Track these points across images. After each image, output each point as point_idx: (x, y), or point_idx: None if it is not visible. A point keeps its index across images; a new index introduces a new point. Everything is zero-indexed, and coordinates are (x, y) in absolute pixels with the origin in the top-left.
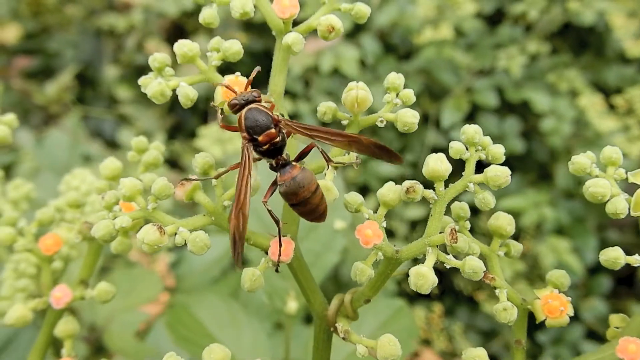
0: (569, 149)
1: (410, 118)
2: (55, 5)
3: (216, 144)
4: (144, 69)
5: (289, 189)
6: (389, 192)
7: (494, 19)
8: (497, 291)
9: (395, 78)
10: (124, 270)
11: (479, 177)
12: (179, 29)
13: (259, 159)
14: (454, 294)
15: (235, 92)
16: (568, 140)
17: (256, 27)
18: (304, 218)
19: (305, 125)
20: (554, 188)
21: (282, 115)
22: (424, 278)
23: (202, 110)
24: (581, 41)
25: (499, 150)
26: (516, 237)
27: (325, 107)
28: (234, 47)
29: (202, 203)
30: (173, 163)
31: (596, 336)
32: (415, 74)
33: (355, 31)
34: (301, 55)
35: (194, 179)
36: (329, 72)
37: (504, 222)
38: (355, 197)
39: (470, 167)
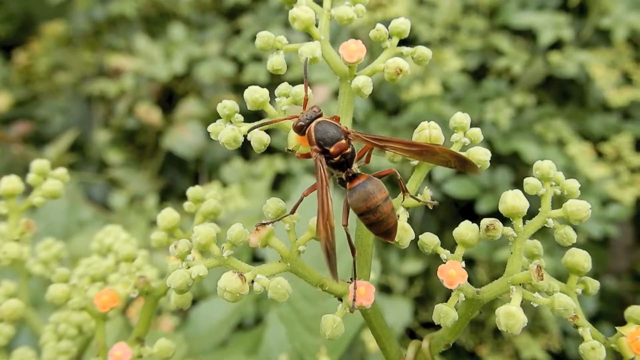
0: (560, 197)
1: (482, 156)
2: (45, 73)
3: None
4: (135, 133)
5: (359, 196)
6: (468, 231)
7: (479, 74)
8: (580, 330)
9: (462, 118)
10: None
11: (558, 213)
12: (169, 92)
13: (331, 175)
14: (454, 349)
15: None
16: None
17: (246, 89)
18: (373, 231)
19: (375, 135)
20: (549, 237)
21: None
22: (514, 318)
23: (193, 172)
24: (564, 92)
25: (574, 185)
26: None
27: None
28: (304, 92)
29: (277, 249)
30: None
31: None
32: (405, 129)
33: None
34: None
35: (269, 222)
36: None
37: (580, 258)
38: (431, 238)
39: (546, 202)
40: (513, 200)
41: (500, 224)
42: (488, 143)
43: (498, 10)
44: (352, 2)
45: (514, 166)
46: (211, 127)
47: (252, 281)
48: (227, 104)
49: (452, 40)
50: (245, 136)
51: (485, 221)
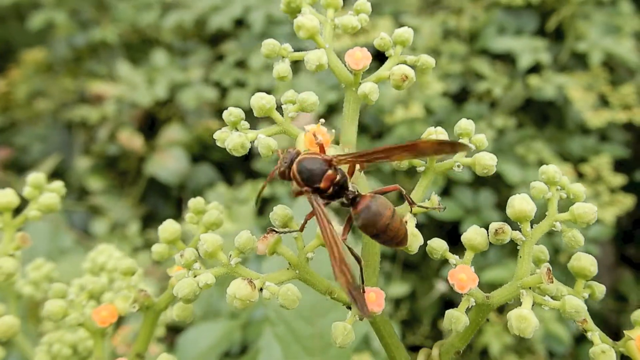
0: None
1: (488, 161)
2: (24, 100)
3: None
4: (116, 159)
5: (367, 220)
6: (476, 235)
7: (460, 97)
8: (589, 334)
9: (467, 124)
10: None
11: (565, 216)
12: (151, 118)
13: (328, 203)
14: None
15: (317, 140)
16: (541, 208)
17: None
18: (387, 246)
19: (358, 153)
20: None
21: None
22: (526, 321)
23: (176, 198)
24: (543, 115)
25: (579, 189)
26: (501, 308)
27: None
28: (311, 98)
29: (285, 256)
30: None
31: None
32: None
33: (328, 113)
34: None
35: (278, 232)
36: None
37: (586, 262)
38: (440, 244)
39: (553, 206)
40: (520, 204)
41: (509, 227)
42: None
43: (477, 36)
44: (356, 11)
45: (497, 188)
46: (217, 135)
47: (261, 289)
48: (233, 111)
49: None
50: (252, 142)
51: (494, 225)
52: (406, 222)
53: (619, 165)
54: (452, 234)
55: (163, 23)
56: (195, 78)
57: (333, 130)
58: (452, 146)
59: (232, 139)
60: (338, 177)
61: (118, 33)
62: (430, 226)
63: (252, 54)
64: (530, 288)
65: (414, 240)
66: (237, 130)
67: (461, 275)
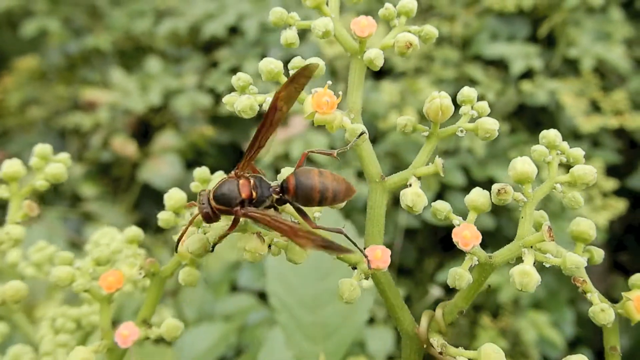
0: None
1: (491, 125)
2: (17, 107)
3: None
4: (110, 166)
5: (303, 196)
6: (479, 196)
7: (453, 103)
8: (588, 295)
9: (469, 91)
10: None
11: (565, 178)
12: (145, 125)
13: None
14: None
15: (325, 103)
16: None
17: (223, 121)
18: (339, 202)
19: (247, 152)
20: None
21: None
22: (529, 276)
23: None
24: (536, 120)
25: (578, 153)
26: (495, 313)
27: (406, 120)
28: (318, 63)
29: (292, 215)
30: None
31: None
32: (384, 157)
33: None
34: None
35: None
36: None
37: (585, 227)
38: (443, 205)
39: (553, 169)
40: (522, 166)
41: (511, 188)
42: (464, 170)
43: (470, 42)
44: None
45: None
46: (226, 98)
47: (270, 245)
48: (242, 76)
49: (427, 70)
50: (260, 105)
51: (496, 186)
52: (411, 184)
53: (611, 171)
54: (445, 240)
55: (157, 30)
56: (189, 85)
57: (340, 93)
58: (304, 71)
59: (241, 100)
60: (252, 181)
61: (112, 40)
62: (425, 231)
63: (246, 60)
64: (531, 247)
65: (419, 200)
66: (246, 94)
67: (465, 232)
